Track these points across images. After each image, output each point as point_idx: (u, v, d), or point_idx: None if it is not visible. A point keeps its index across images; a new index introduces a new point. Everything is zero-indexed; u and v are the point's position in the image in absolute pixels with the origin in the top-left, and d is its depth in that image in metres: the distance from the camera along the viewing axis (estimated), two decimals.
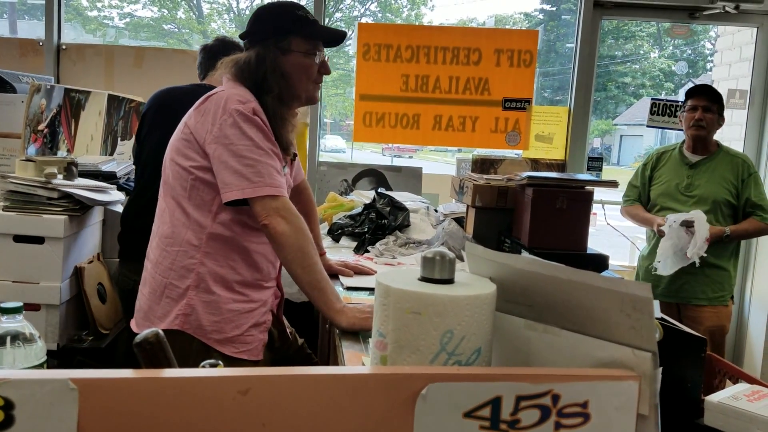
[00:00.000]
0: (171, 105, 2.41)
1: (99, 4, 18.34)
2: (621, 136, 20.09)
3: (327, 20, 3.71)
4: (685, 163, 2.98)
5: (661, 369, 0.74)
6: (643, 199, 3.08)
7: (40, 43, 3.50)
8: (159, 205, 1.76)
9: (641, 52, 18.21)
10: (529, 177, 2.35)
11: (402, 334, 0.77)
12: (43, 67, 3.46)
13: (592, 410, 0.71)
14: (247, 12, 18.60)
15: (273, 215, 1.58)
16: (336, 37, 1.85)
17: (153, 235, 1.75)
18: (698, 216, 2.73)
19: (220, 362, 0.75)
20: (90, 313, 2.48)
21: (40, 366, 0.96)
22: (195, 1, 18.95)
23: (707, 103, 2.88)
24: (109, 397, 0.62)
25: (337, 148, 14.78)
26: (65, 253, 2.33)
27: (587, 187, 2.36)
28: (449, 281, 0.81)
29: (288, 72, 1.73)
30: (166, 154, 1.75)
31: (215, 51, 2.52)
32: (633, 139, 19.51)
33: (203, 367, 0.75)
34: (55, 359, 2.34)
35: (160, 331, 0.68)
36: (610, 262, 2.53)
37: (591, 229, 3.98)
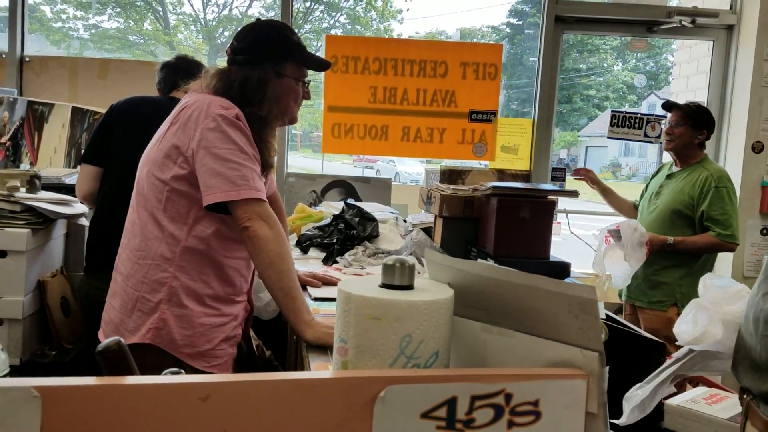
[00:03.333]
0: (148, 115, 2.41)
1: (63, 16, 18.09)
2: (586, 147, 20.50)
3: (297, 31, 3.75)
4: (667, 174, 3.07)
5: (608, 368, 0.78)
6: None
7: (3, 56, 3.45)
8: (129, 217, 1.75)
9: (605, 65, 18.64)
10: (494, 187, 2.40)
11: (362, 339, 0.80)
12: (6, 80, 3.41)
13: (543, 408, 0.75)
14: (215, 23, 18.51)
15: (255, 218, 1.59)
16: (323, 66, 1.93)
17: (123, 247, 1.74)
18: (625, 224, 2.80)
19: (182, 370, 0.76)
20: (53, 328, 2.44)
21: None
22: (161, 13, 18.80)
23: (677, 117, 2.96)
24: (71, 404, 0.63)
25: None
26: (28, 267, 2.30)
27: (550, 197, 2.42)
28: (409, 287, 0.84)
29: (278, 95, 1.75)
30: (140, 167, 1.74)
31: (180, 68, 2.57)
32: (598, 150, 19.94)
33: (165, 374, 0.76)
34: (18, 375, 2.31)
35: (122, 340, 0.69)
36: (575, 269, 2.60)
37: (557, 238, 4.06)
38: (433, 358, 0.81)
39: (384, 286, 0.84)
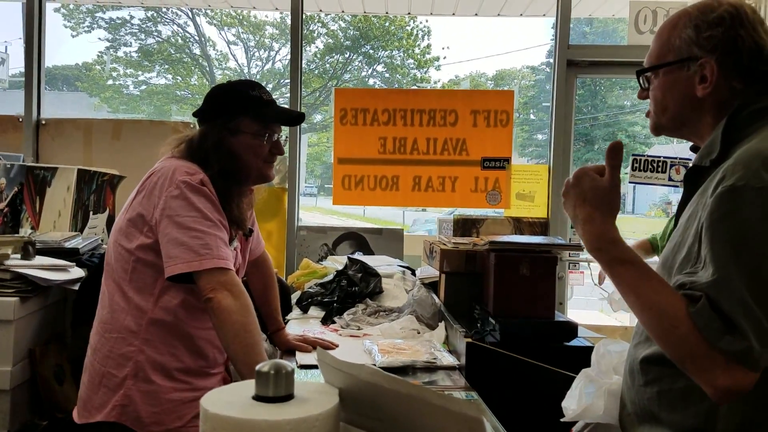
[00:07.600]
0: None
1: (114, 74, 19.02)
2: (634, 185, 19.99)
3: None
4: None
5: None
6: None
7: (20, 119, 3.54)
8: (101, 288, 1.71)
9: None
10: (491, 242, 2.26)
11: None
12: (21, 144, 3.49)
13: None
14: (258, 77, 19.09)
15: (219, 289, 1.52)
16: (287, 120, 1.83)
17: (95, 319, 1.70)
18: None
19: None
20: (45, 397, 2.39)
21: None
22: (208, 68, 19.55)
23: None
24: None
25: None
26: (17, 336, 2.26)
27: (553, 252, 2.26)
28: (286, 398, 0.73)
29: (236, 152, 1.70)
30: (110, 236, 1.71)
31: None
32: (647, 188, 19.42)
33: None
34: None
35: None
36: (604, 323, 2.40)
37: (582, 289, 3.82)
38: None
39: (257, 398, 0.73)
